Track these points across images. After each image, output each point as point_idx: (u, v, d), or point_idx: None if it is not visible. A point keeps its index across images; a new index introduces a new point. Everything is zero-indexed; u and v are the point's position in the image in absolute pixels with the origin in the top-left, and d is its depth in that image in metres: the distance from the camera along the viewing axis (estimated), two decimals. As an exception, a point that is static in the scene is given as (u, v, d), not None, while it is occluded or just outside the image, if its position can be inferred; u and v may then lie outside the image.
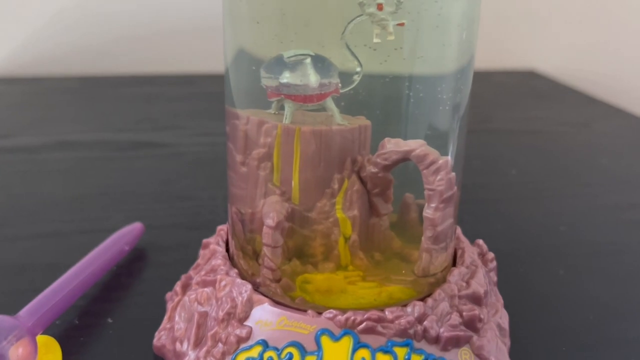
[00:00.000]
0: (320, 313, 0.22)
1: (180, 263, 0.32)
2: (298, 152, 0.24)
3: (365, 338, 0.22)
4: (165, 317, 0.26)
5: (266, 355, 0.22)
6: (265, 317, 0.22)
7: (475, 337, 0.23)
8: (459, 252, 0.26)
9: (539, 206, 0.41)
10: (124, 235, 0.32)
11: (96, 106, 0.62)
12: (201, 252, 0.28)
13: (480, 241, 0.27)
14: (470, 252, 0.26)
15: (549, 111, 0.65)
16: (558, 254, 0.35)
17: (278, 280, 0.23)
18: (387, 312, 0.22)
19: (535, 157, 0.51)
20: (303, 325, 0.22)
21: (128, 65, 0.75)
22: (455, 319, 0.23)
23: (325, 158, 0.24)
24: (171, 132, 0.55)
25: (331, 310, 0.22)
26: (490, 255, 0.27)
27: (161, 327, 0.25)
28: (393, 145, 0.23)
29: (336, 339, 0.21)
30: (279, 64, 0.22)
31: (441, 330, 0.22)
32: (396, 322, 0.22)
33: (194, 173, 0.45)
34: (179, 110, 0.61)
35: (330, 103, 0.24)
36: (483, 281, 0.24)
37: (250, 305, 0.23)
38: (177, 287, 0.26)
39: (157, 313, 0.28)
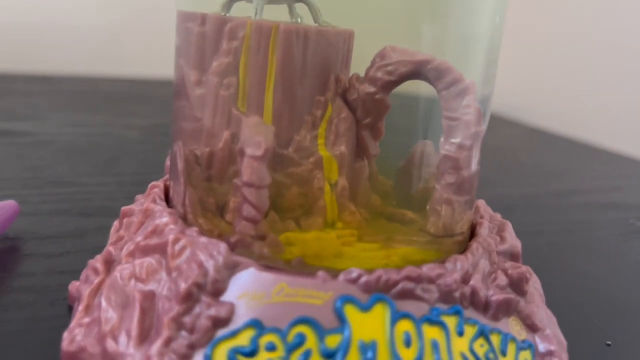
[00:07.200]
0: (335, 275, 0.15)
1: (75, 254, 0.23)
2: (274, 60, 0.17)
3: (403, 305, 0.15)
4: (80, 308, 0.17)
5: (263, 341, 0.14)
6: (253, 286, 0.15)
7: (522, 303, 0.18)
8: (471, 206, 0.20)
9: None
10: (-8, 213, 0.22)
11: None
12: (120, 222, 0.20)
13: (483, 202, 0.22)
14: (483, 205, 0.21)
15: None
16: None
17: (263, 238, 0.16)
18: (425, 269, 0.16)
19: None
20: (314, 293, 0.15)
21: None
22: (502, 278, 0.17)
23: (307, 71, 0.17)
24: (30, 122, 0.44)
25: (352, 269, 0.15)
26: (498, 215, 0.22)
27: (73, 323, 0.16)
28: (400, 54, 0.18)
29: (365, 307, 0.15)
30: None
31: (490, 293, 0.17)
32: (439, 281, 0.16)
33: (71, 160, 0.35)
34: (37, 103, 0.50)
35: None
36: (515, 235, 0.19)
37: (229, 271, 0.15)
38: (97, 263, 0.18)
39: (53, 312, 0.19)
